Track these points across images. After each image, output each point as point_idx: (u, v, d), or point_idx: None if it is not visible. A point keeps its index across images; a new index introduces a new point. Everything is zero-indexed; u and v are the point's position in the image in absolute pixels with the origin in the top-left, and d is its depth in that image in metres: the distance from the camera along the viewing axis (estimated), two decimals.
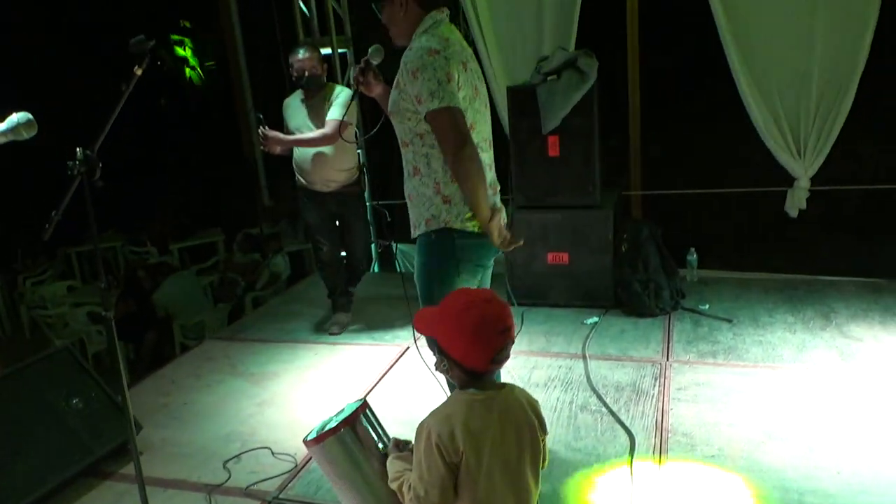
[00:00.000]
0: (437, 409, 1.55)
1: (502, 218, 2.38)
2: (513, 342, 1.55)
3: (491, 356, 1.51)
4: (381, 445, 1.74)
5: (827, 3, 4.14)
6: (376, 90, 2.58)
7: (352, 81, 2.80)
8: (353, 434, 1.72)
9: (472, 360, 1.51)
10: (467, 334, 1.50)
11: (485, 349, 1.50)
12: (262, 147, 3.93)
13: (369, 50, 2.55)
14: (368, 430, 1.75)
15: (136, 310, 5.53)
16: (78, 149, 1.94)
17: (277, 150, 3.87)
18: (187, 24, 9.04)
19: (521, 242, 2.39)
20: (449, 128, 2.18)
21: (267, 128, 3.81)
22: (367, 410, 1.79)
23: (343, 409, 1.80)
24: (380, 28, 2.49)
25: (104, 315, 2.10)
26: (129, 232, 8.13)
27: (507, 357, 1.55)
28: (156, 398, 3.40)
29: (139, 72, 1.96)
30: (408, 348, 3.69)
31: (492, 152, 2.52)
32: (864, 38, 4.13)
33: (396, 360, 3.60)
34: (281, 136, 3.86)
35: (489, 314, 1.51)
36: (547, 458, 1.66)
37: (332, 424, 1.73)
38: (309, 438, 1.75)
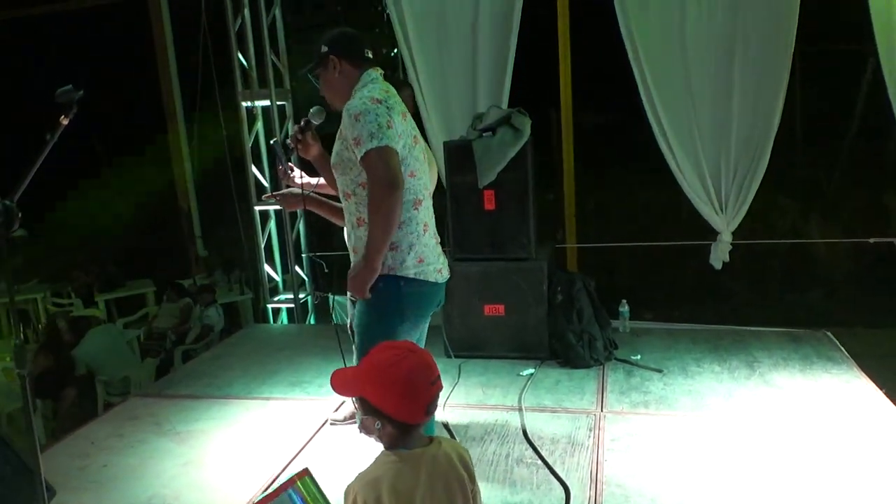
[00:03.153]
0: (364, 471, 1.51)
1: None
2: (441, 390, 1.55)
3: (424, 408, 1.50)
4: None
5: (743, 72, 4.46)
6: (313, 151, 2.60)
7: (289, 141, 2.75)
8: (291, 502, 1.67)
9: (405, 414, 1.49)
10: (399, 388, 1.48)
11: (418, 402, 1.49)
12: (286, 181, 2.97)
13: (310, 110, 2.58)
14: (308, 499, 1.71)
15: (55, 364, 5.23)
16: None
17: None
18: None
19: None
20: (383, 165, 2.19)
21: (292, 167, 2.93)
22: (308, 478, 1.75)
23: (286, 480, 1.76)
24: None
25: (18, 373, 1.99)
26: (53, 282, 7.78)
27: (436, 406, 1.55)
28: (73, 460, 3.20)
29: (65, 122, 1.92)
30: (343, 402, 3.61)
31: (431, 201, 2.56)
32: (776, 104, 4.45)
33: (335, 418, 3.52)
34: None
35: (419, 365, 1.50)
36: None
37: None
38: None
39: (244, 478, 2.94)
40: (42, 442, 4.56)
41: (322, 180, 2.93)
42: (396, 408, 1.49)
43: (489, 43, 4.79)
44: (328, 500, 1.76)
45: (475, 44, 4.80)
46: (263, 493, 1.77)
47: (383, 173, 2.18)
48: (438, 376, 1.54)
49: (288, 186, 2.96)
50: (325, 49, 2.39)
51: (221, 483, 2.92)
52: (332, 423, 3.40)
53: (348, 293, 3.22)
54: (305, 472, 1.76)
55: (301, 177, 2.87)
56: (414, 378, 1.49)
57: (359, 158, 2.22)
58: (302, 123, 2.61)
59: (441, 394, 1.57)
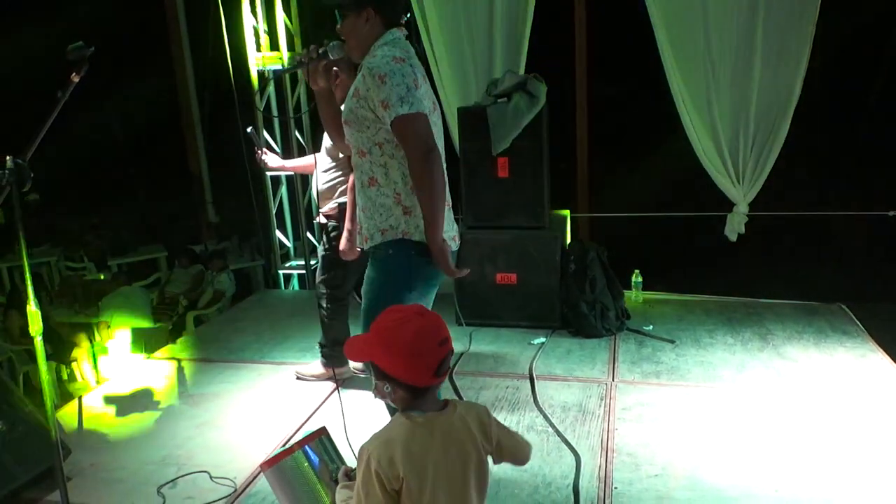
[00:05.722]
0: (379, 432, 1.51)
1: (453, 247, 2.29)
2: (452, 353, 1.53)
3: (433, 369, 1.48)
4: (332, 472, 1.70)
5: (765, 41, 4.35)
6: (321, 83, 2.49)
7: (299, 57, 2.59)
8: (307, 458, 1.68)
9: (413, 376, 1.48)
10: (406, 350, 1.47)
11: (426, 363, 1.47)
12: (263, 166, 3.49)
13: (331, 43, 2.45)
14: (324, 457, 1.71)
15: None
16: (8, 157, 1.85)
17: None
18: None
19: (468, 272, 2.30)
20: (418, 133, 2.15)
21: (266, 151, 3.46)
22: (325, 437, 1.75)
23: (303, 437, 1.76)
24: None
25: (31, 334, 2.00)
26: (66, 246, 7.83)
27: (448, 369, 1.53)
28: (88, 421, 3.24)
29: (76, 79, 1.89)
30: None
31: (445, 164, 2.52)
32: (798, 73, 4.35)
33: (343, 380, 3.54)
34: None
35: (425, 327, 1.48)
36: (521, 448, 1.64)
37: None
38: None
39: (257, 440, 2.97)
40: (56, 402, 4.63)
41: (296, 162, 3.55)
42: (404, 371, 1.48)
43: (506, 7, 4.69)
44: (343, 460, 1.77)
45: (492, 7, 4.70)
46: (282, 447, 1.77)
47: (418, 142, 2.15)
48: (447, 338, 1.51)
49: (263, 170, 3.49)
50: None
51: (235, 445, 2.95)
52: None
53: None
54: (323, 431, 1.77)
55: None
56: (420, 339, 1.47)
57: (389, 123, 2.17)
58: (320, 52, 2.48)
59: (452, 359, 1.55)
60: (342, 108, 2.35)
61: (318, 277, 3.47)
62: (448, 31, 4.81)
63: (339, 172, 3.31)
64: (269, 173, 5.70)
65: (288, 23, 5.47)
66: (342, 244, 3.13)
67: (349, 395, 3.40)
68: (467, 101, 4.65)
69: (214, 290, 6.15)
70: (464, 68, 4.87)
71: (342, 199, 3.27)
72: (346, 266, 3.26)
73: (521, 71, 4.65)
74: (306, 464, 1.68)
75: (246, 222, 7.01)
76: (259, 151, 3.44)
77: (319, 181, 3.37)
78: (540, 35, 4.78)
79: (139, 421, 3.23)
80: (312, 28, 5.51)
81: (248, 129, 3.37)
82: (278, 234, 5.94)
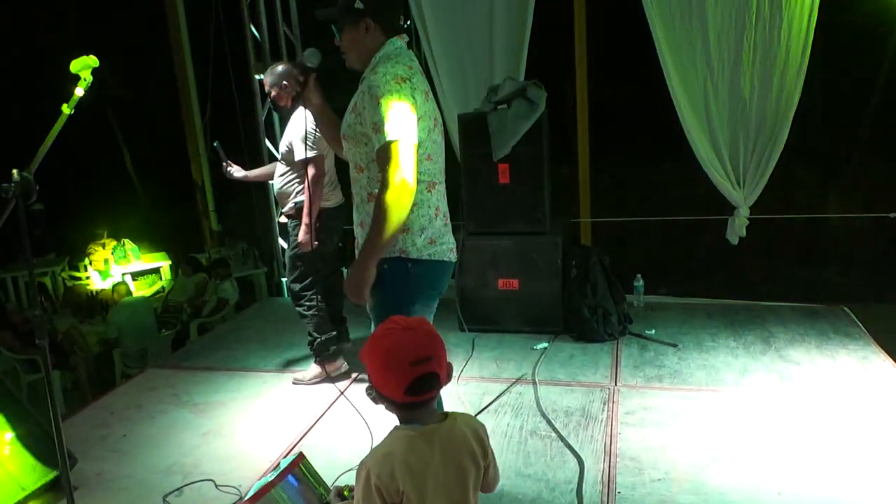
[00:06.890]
0: (376, 447, 1.50)
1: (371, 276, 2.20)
2: (435, 375, 1.46)
3: (403, 387, 1.43)
4: (321, 496, 1.71)
5: (763, 44, 4.36)
6: (314, 100, 2.47)
7: (274, 94, 2.57)
8: (291, 487, 1.68)
9: (386, 389, 1.46)
10: (378, 361, 1.46)
11: (396, 379, 1.43)
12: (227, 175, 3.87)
13: (304, 53, 2.42)
14: (307, 482, 1.72)
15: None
16: (14, 171, 1.87)
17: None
18: None
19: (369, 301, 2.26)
20: (402, 161, 2.09)
21: (231, 164, 3.84)
22: (303, 463, 1.76)
23: (279, 466, 1.77)
24: (333, 52, 2.45)
25: (37, 343, 2.02)
26: (70, 255, 7.87)
27: (428, 391, 1.47)
28: (93, 430, 3.26)
29: (80, 93, 1.91)
30: (356, 376, 3.64)
31: (444, 179, 2.51)
32: (798, 76, 4.35)
33: (346, 388, 3.55)
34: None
35: (403, 343, 1.45)
36: (497, 478, 1.62)
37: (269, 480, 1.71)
38: (246, 498, 1.70)
39: (263, 448, 2.98)
40: (62, 412, 4.64)
41: (257, 172, 3.90)
42: (377, 381, 1.48)
43: (506, 13, 4.71)
44: (323, 482, 1.78)
45: (491, 14, 4.72)
46: (262, 480, 1.78)
47: (397, 174, 2.08)
48: (428, 358, 1.45)
49: (229, 180, 3.83)
50: (359, 5, 2.24)
51: (240, 453, 2.96)
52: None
53: None
54: (301, 457, 1.78)
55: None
56: (391, 356, 1.44)
57: (376, 147, 2.14)
58: (301, 68, 2.39)
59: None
60: (342, 122, 2.34)
61: (287, 279, 3.69)
62: (447, 37, 4.83)
63: (294, 175, 3.58)
64: (271, 182, 5.72)
65: (288, 32, 5.51)
66: (300, 236, 3.43)
67: (354, 396, 3.41)
68: (467, 108, 4.67)
69: (218, 299, 6.17)
70: (463, 75, 4.89)
71: (299, 199, 3.54)
72: (310, 262, 3.53)
73: (521, 77, 4.66)
74: (285, 494, 1.68)
75: (249, 230, 7.05)
76: (224, 164, 3.84)
77: (276, 185, 3.67)
78: (539, 41, 4.80)
79: (145, 430, 3.25)
80: (313, 37, 5.54)
81: (215, 144, 3.78)
82: (281, 241, 5.95)
